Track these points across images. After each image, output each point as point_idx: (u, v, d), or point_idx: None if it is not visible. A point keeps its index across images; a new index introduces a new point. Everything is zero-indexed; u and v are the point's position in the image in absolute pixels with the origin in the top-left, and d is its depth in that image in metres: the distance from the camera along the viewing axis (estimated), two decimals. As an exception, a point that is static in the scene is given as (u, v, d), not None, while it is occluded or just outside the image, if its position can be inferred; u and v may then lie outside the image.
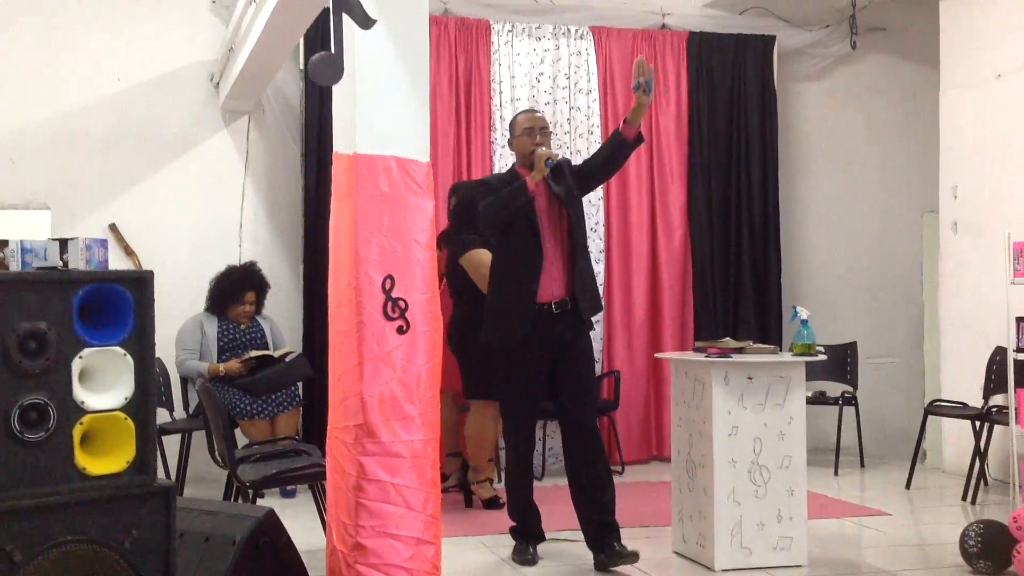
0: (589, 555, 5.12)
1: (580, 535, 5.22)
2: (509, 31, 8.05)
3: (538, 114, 5.48)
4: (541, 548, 5.32)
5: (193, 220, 7.69)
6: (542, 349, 5.13)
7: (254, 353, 6.90)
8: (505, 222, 5.17)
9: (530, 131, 5.26)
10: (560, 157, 5.29)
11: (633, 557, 5.00)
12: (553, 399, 5.24)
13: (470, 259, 6.21)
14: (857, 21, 8.77)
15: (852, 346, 8.16)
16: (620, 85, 8.20)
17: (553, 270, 5.13)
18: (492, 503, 6.42)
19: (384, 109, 3.96)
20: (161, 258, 7.42)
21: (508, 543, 5.39)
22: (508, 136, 5.49)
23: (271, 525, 3.94)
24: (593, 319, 5.68)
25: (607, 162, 5.24)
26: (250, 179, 7.83)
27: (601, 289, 7.78)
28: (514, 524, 5.33)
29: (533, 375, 5.17)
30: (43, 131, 7.43)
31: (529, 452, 5.32)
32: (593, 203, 7.95)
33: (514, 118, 5.47)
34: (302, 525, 5.51)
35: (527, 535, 5.29)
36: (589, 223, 7.22)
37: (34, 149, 7.41)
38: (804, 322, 5.30)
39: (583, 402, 5.17)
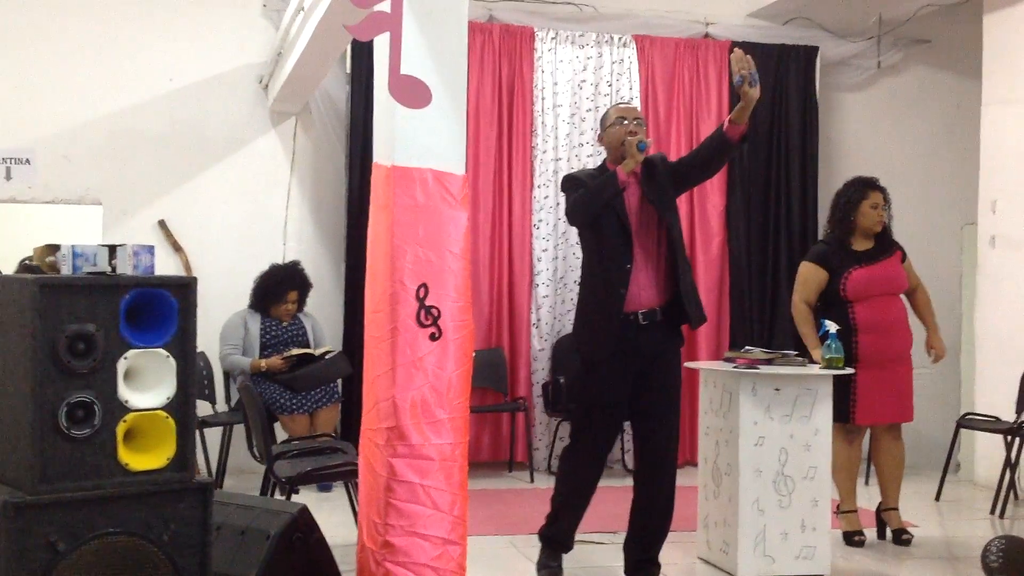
0: (615, 562, 5.14)
1: (610, 538, 5.45)
2: (553, 38, 8.15)
3: (631, 104, 5.11)
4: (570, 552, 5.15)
5: (240, 218, 7.88)
6: (626, 362, 4.73)
7: (295, 351, 7.07)
8: (592, 218, 4.73)
9: (622, 120, 4.80)
10: (658, 153, 4.89)
11: None
12: (631, 416, 4.90)
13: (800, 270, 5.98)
14: (901, 33, 8.80)
15: (886, 357, 8.17)
16: (662, 93, 8.27)
17: (642, 277, 4.71)
18: (901, 535, 5.88)
19: (422, 122, 4.06)
20: (208, 255, 7.65)
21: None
22: (598, 132, 5.07)
23: (304, 521, 4.10)
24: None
25: (708, 163, 4.79)
26: (296, 180, 8.00)
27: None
28: (547, 531, 5.03)
29: (616, 391, 4.79)
30: (97, 129, 7.64)
31: (595, 476, 4.91)
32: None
33: (606, 112, 5.03)
34: (337, 520, 5.69)
35: (559, 546, 5.03)
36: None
37: (88, 146, 7.63)
38: (832, 335, 5.37)
39: (662, 426, 4.83)
